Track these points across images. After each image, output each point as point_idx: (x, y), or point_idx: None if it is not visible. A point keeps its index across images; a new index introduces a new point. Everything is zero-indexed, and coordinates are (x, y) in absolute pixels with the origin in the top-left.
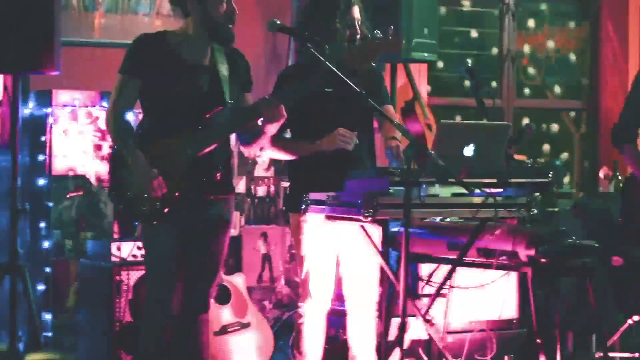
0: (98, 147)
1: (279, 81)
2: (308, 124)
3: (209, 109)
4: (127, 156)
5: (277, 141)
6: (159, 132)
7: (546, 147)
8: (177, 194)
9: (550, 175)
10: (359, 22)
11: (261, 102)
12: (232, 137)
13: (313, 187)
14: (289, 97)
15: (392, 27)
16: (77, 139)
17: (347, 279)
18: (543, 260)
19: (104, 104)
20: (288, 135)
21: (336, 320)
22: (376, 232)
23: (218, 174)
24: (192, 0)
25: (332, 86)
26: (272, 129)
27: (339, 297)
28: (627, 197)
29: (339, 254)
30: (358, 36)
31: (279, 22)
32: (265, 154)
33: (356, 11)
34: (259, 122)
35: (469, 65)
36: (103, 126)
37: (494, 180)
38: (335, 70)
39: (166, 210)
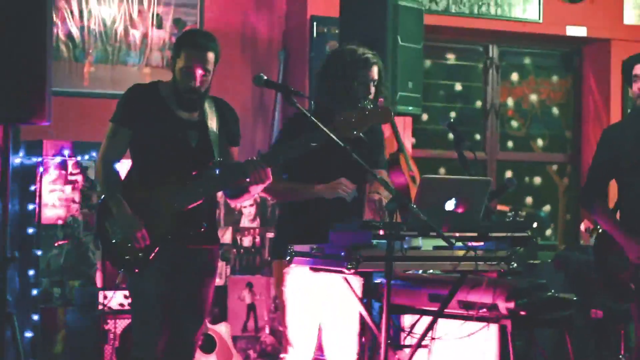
0: (87, 197)
1: (289, 125)
2: (310, 171)
3: (197, 164)
4: (112, 206)
5: (278, 182)
6: (146, 183)
7: (529, 199)
8: (157, 249)
9: (532, 228)
10: (375, 83)
11: (248, 163)
12: None
13: (303, 237)
14: (276, 159)
15: (383, 99)
16: (66, 189)
17: (327, 329)
18: (522, 312)
19: (93, 154)
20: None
21: None
22: (357, 282)
23: (202, 229)
24: (170, 63)
25: (323, 141)
26: (257, 189)
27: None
28: (599, 250)
29: (321, 304)
30: (371, 96)
31: (265, 77)
32: (266, 194)
33: (374, 72)
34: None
35: (451, 119)
36: (92, 176)
37: (475, 234)
38: (320, 125)
39: (151, 257)
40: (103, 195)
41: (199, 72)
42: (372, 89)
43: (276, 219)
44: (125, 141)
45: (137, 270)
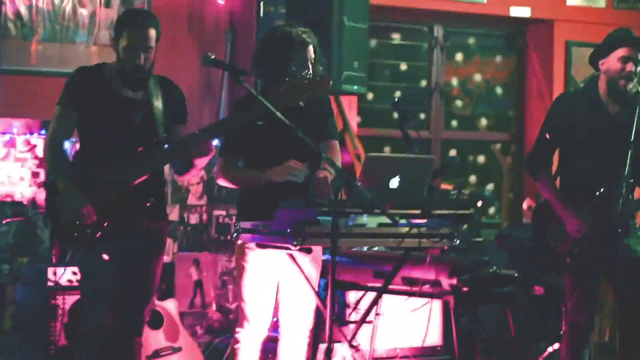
0: (35, 174)
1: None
2: (261, 154)
3: (142, 142)
4: (59, 184)
5: (229, 170)
6: (93, 162)
7: (473, 178)
8: (106, 224)
9: (476, 206)
10: (312, 61)
11: (191, 137)
12: (166, 166)
13: (262, 217)
14: (217, 132)
15: (321, 67)
16: (14, 166)
17: (284, 304)
18: (465, 289)
19: (42, 132)
20: (241, 164)
21: (269, 346)
22: (308, 260)
23: (148, 204)
24: (113, 45)
25: (266, 119)
26: (201, 162)
27: (274, 325)
28: (537, 223)
29: (279, 281)
30: (310, 74)
31: (212, 57)
32: (219, 182)
33: (310, 51)
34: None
35: (396, 99)
36: (41, 154)
37: (418, 212)
38: (266, 103)
39: (98, 234)
40: (51, 175)
41: (142, 49)
42: (311, 68)
43: (237, 199)
44: (72, 122)
45: (85, 248)
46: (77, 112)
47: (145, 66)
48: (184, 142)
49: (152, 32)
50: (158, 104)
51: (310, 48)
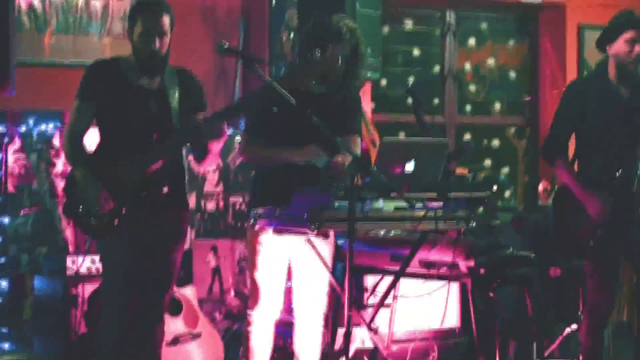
0: (52, 165)
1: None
2: (282, 137)
3: (157, 131)
4: (76, 173)
5: (251, 146)
6: (111, 152)
7: (488, 162)
8: (124, 210)
9: (491, 190)
10: (347, 57)
11: (203, 120)
12: (184, 155)
13: (273, 202)
14: (229, 114)
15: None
16: (31, 157)
17: (297, 289)
18: (482, 270)
19: (57, 123)
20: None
21: (285, 331)
22: (325, 245)
23: (165, 188)
24: (128, 35)
25: (284, 106)
26: (216, 147)
27: (288, 308)
28: (558, 207)
29: (290, 265)
30: (333, 71)
31: (226, 45)
32: (240, 159)
33: (345, 46)
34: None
35: (410, 85)
36: (56, 144)
37: (434, 195)
38: (280, 89)
39: (116, 222)
40: (69, 165)
41: (157, 33)
42: (340, 63)
43: (250, 185)
44: (90, 115)
45: (104, 235)
46: (94, 104)
47: (160, 52)
48: (195, 125)
49: (166, 18)
50: (174, 94)
51: (346, 43)
